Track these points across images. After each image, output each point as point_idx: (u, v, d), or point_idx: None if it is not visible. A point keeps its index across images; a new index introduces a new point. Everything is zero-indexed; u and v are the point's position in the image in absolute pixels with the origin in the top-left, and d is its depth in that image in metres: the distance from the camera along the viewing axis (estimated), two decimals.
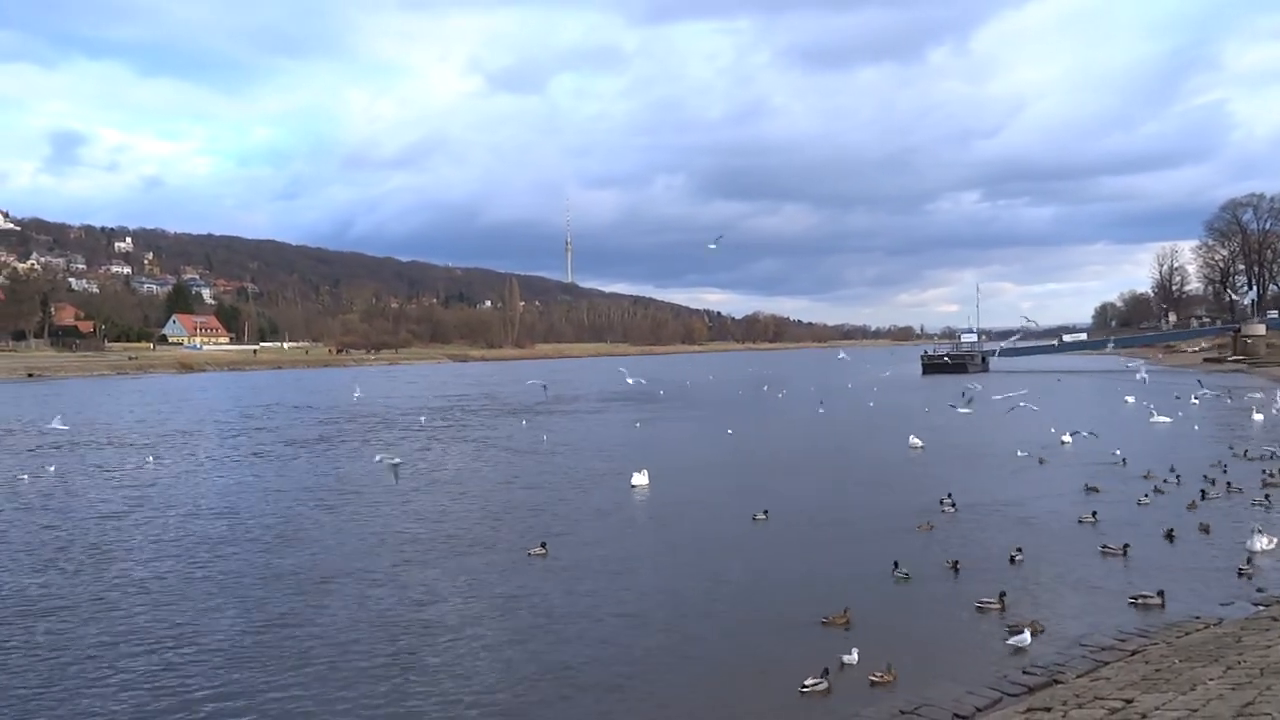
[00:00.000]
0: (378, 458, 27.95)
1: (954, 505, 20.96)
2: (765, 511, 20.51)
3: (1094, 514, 19.49)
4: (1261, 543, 16.04)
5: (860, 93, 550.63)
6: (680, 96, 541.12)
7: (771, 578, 15.56)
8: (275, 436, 40.50)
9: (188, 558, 17.53)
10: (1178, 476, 24.09)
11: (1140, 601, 13.44)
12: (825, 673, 10.64)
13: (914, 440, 32.86)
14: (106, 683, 11.12)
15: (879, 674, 10.72)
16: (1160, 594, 13.57)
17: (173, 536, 19.43)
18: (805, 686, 10.48)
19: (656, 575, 16.03)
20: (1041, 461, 27.90)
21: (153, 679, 11.23)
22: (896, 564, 15.52)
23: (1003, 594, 13.59)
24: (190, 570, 16.60)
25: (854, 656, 11.24)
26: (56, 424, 34.59)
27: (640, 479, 25.16)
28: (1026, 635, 11.81)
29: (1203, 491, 21.92)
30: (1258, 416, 36.93)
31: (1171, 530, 17.67)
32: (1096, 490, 22.92)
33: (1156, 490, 22.60)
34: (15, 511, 22.47)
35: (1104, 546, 16.79)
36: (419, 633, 12.84)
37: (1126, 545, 16.59)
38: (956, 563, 15.73)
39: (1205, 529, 18.01)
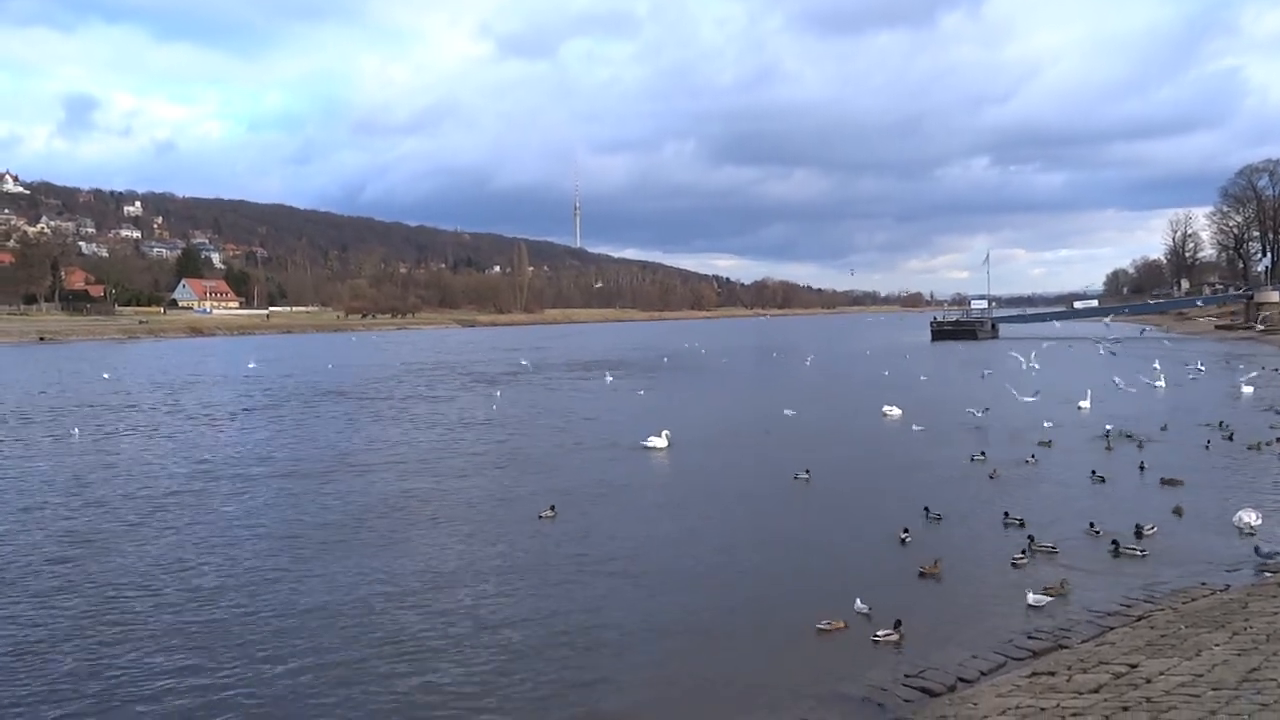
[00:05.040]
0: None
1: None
2: (807, 471, 20.76)
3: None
4: (1250, 517, 15.95)
5: (872, 58, 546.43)
6: (691, 62, 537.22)
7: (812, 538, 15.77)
8: (242, 404, 40.62)
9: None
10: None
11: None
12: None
13: (888, 409, 31.80)
14: None
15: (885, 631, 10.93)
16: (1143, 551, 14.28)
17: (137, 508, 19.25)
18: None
19: (689, 532, 16.10)
20: (1048, 444, 25.35)
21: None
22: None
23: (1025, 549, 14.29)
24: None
25: (865, 607, 11.66)
26: None
27: (658, 441, 25.17)
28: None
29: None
30: (1247, 389, 36.56)
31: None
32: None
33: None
34: None
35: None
36: (422, 594, 12.89)
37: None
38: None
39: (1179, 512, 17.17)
